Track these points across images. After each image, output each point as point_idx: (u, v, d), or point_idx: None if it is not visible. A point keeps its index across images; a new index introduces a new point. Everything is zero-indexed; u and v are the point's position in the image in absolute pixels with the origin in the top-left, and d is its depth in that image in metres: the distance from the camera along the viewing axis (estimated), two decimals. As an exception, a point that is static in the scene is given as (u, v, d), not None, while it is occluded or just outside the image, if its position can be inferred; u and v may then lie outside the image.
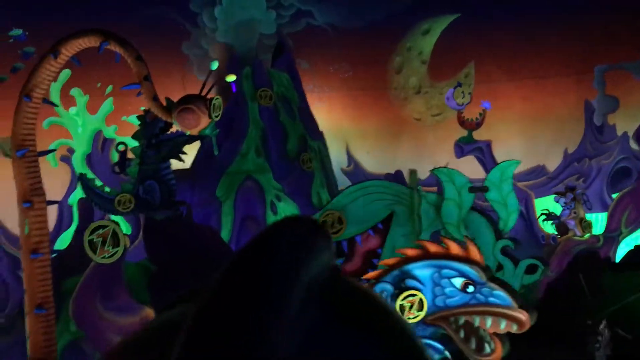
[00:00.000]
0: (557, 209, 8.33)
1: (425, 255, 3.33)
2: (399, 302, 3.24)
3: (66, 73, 6.97)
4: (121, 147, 5.82)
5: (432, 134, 8.78)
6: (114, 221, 4.74)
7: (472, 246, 3.29)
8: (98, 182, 5.95)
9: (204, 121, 4.27)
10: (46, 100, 4.51)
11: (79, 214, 6.16)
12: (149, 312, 5.06)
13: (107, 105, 7.05)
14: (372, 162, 8.57)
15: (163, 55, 7.36)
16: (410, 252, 3.39)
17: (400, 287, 3.28)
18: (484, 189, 5.82)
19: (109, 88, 7.10)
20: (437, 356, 3.29)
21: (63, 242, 6.80)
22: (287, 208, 6.83)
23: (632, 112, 8.72)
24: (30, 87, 4.42)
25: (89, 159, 7.02)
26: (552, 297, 6.06)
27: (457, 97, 8.75)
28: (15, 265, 6.52)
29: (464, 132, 8.76)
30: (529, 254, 8.72)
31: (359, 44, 8.41)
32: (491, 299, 3.17)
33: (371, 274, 3.57)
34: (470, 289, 3.20)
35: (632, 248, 6.29)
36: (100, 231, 4.80)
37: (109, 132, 7.14)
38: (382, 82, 8.67)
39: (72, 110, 6.95)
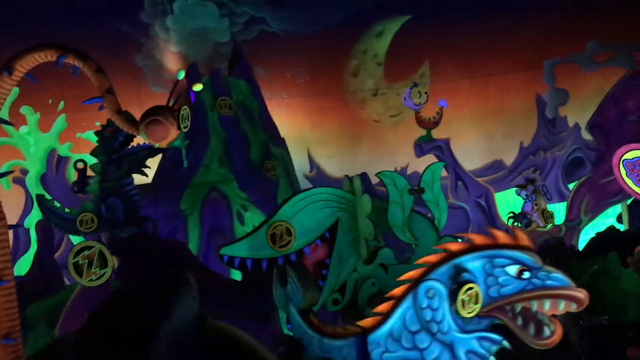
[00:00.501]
0: (518, 204, 8.52)
1: (473, 248, 3.28)
2: (460, 296, 3.17)
3: (15, 91, 6.69)
4: (80, 165, 5.60)
5: (392, 135, 8.84)
6: (99, 242, 4.53)
7: (519, 233, 3.27)
8: (56, 203, 5.71)
9: (173, 133, 4.15)
10: (1, 120, 4.29)
11: (38, 236, 5.89)
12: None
13: (60, 122, 6.81)
14: (334, 166, 8.56)
15: (116, 68, 7.15)
16: (454, 246, 3.33)
17: (458, 282, 3.20)
18: (421, 190, 5.83)
19: (61, 104, 6.87)
20: (494, 347, 3.27)
21: (22, 267, 6.51)
22: (254, 217, 6.72)
23: (581, 104, 9.01)
24: (-18, 107, 4.20)
25: (43, 179, 6.74)
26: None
27: (414, 97, 8.83)
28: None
29: (422, 132, 8.84)
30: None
31: (314, 49, 8.40)
32: (548, 282, 3.16)
33: (397, 291, 3.45)
34: (526, 274, 3.17)
35: (594, 236, 6.46)
36: (86, 252, 4.56)
37: (64, 150, 6.89)
38: (339, 86, 8.69)
39: (23, 129, 6.68)
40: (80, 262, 4.48)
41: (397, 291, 3.38)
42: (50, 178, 6.73)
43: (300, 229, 4.88)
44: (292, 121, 8.21)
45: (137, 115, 7.78)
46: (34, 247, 6.64)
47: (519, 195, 7.31)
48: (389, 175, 5.58)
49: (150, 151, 5.77)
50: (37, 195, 5.54)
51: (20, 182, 6.72)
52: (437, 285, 3.29)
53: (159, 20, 7.50)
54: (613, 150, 7.46)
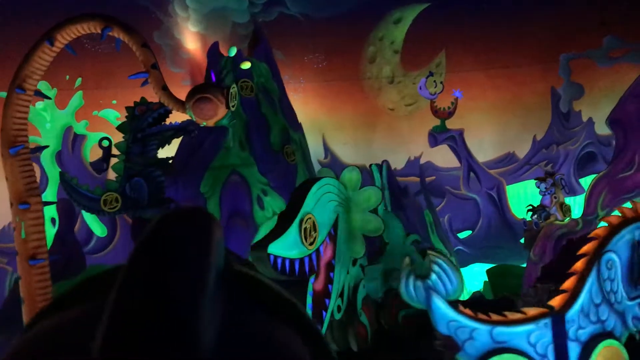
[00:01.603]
0: (528, 197, 8.52)
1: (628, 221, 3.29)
2: None
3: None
4: (105, 143, 5.46)
5: (406, 124, 8.76)
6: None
7: None
8: (78, 182, 5.56)
9: (222, 111, 4.05)
10: (37, 93, 4.14)
11: (59, 216, 5.72)
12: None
13: (77, 99, 6.62)
14: (348, 153, 8.46)
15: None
16: (615, 219, 3.32)
17: None
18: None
19: (78, 81, 6.67)
20: None
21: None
22: (274, 202, 6.61)
23: (596, 99, 9.00)
24: (22, 78, 4.06)
25: (59, 157, 6.56)
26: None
27: (429, 87, 8.77)
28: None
29: (437, 122, 8.79)
30: (501, 239, 8.93)
31: (332, 33, 8.27)
32: None
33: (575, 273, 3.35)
34: None
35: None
36: None
37: (80, 127, 6.71)
38: (356, 72, 8.57)
39: (39, 105, 6.48)
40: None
41: (578, 266, 3.35)
42: (66, 156, 6.55)
43: (319, 224, 4.21)
44: (308, 106, 8.08)
45: (137, 94, 7.61)
46: (47, 227, 6.47)
47: (538, 187, 7.28)
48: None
49: (176, 131, 5.66)
50: (61, 173, 5.39)
51: (35, 159, 6.50)
52: (614, 257, 3.30)
53: (179, -2, 7.31)
54: (631, 146, 7.48)
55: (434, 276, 3.29)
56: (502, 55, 8.96)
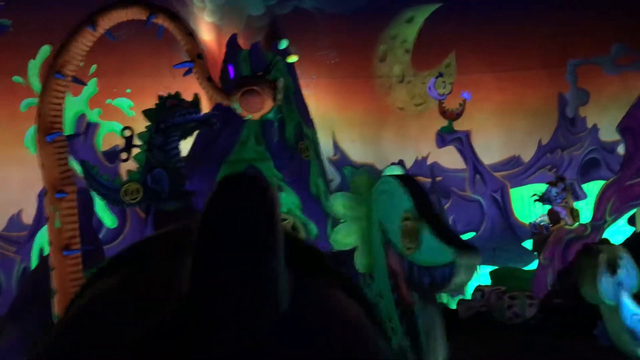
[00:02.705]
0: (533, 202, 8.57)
1: None
2: None
3: (45, 49, 6.32)
4: (127, 132, 5.33)
5: (415, 124, 8.75)
6: (294, 214, 4.25)
7: None
8: (98, 171, 5.43)
9: (268, 104, 3.97)
10: (75, 79, 4.01)
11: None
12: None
13: (91, 86, 6.45)
14: (357, 151, 8.43)
15: (149, 33, 6.82)
16: None
17: None
18: None
19: (93, 68, 6.51)
20: None
21: (45, 236, 6.18)
22: (288, 198, 6.54)
23: (601, 105, 9.10)
24: (61, 63, 3.93)
25: (71, 145, 6.38)
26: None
27: (438, 87, 8.78)
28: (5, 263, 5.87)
29: (445, 122, 8.80)
30: (504, 241, 8.98)
31: (345, 30, 8.21)
32: None
33: None
34: None
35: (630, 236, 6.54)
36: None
37: (93, 115, 6.55)
38: (367, 70, 8.53)
39: (53, 91, 6.30)
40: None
41: None
42: (79, 144, 6.39)
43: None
44: (318, 102, 8.01)
45: (153, 89, 7.48)
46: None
47: (549, 192, 7.33)
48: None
49: (198, 123, 5.56)
50: (82, 162, 5.25)
51: (47, 146, 6.36)
52: None
53: (196, -13, 7.19)
54: (640, 154, 7.57)
55: (621, 270, 3.25)
56: (510, 59, 9.00)
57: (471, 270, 2.83)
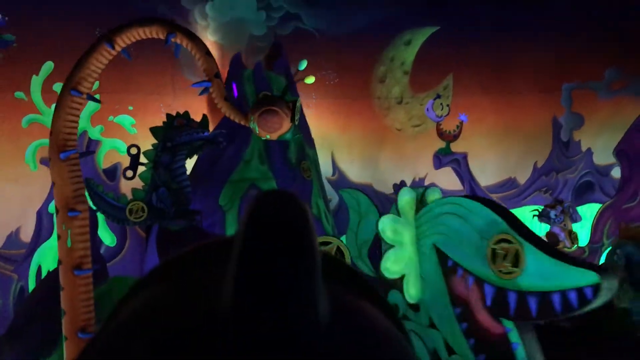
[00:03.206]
0: (532, 223, 8.62)
1: None
2: None
3: (49, 66, 6.27)
4: (133, 150, 5.29)
5: (413, 145, 8.79)
6: (337, 237, 4.18)
7: None
8: (101, 188, 5.36)
9: (286, 124, 3.95)
10: (90, 97, 3.98)
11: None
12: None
13: (93, 103, 6.38)
14: (356, 171, 8.43)
15: (151, 52, 6.81)
16: None
17: None
18: None
19: (96, 84, 6.44)
20: None
21: (44, 255, 6.08)
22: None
23: (595, 129, 9.23)
24: (77, 80, 3.89)
25: (72, 162, 6.31)
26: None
27: (436, 109, 8.84)
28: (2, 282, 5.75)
29: (442, 144, 8.86)
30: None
31: (345, 51, 8.27)
32: None
33: None
34: None
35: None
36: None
37: (95, 133, 6.49)
38: (366, 91, 8.57)
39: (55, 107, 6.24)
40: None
41: None
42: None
43: None
44: (318, 122, 8.02)
45: (155, 107, 7.43)
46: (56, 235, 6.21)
47: (547, 215, 7.39)
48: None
49: (205, 142, 5.53)
50: (87, 180, 5.18)
51: (47, 163, 6.26)
52: None
53: (199, 7, 7.19)
54: (636, 178, 7.69)
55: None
56: (507, 82, 9.11)
57: (612, 291, 2.70)
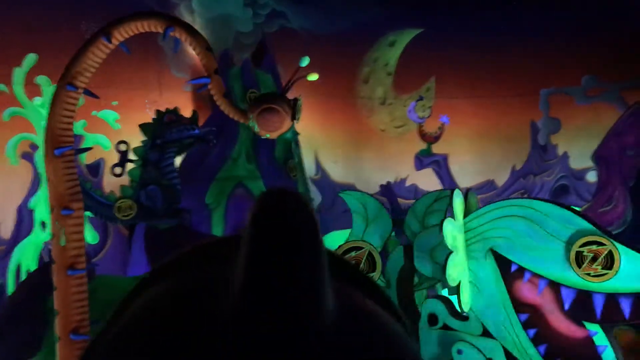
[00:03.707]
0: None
1: None
2: None
3: (32, 58, 6.10)
4: (122, 147, 5.19)
5: (395, 145, 8.85)
6: (368, 242, 4.05)
7: None
8: (89, 185, 5.25)
9: (287, 123, 3.87)
10: (87, 92, 3.88)
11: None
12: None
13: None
14: (339, 171, 8.44)
15: (138, 46, 6.67)
16: None
17: None
18: None
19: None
20: None
21: (24, 252, 5.92)
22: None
23: (572, 134, 9.43)
24: (73, 74, 3.78)
25: (54, 157, 6.15)
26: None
27: (418, 111, 8.92)
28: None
29: (424, 145, 8.94)
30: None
31: (331, 50, 8.25)
32: None
33: None
34: None
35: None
36: (353, 253, 3.98)
37: (77, 127, 6.33)
38: (351, 91, 8.59)
39: (37, 100, 6.08)
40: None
41: None
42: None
43: None
44: (302, 122, 7.96)
45: (140, 102, 7.32)
46: (37, 232, 6.06)
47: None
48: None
49: (195, 140, 5.47)
50: (75, 176, 5.06)
51: (28, 157, 6.10)
52: None
53: (186, 2, 7.09)
54: (612, 182, 7.87)
55: None
56: (487, 86, 9.23)
57: None
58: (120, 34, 3.83)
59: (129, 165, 5.15)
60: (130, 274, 5.61)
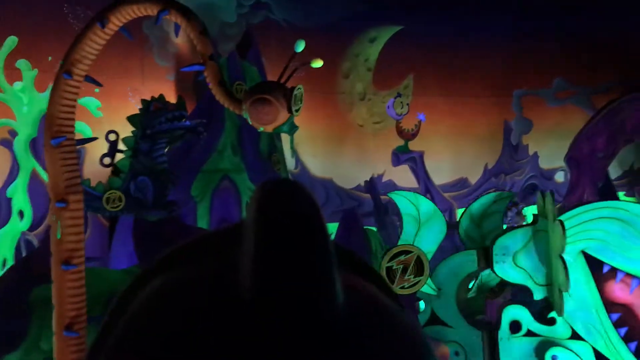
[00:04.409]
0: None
1: None
2: None
3: (12, 40, 5.89)
4: (112, 136, 5.07)
5: (373, 141, 8.91)
6: (417, 247, 3.92)
7: None
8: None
9: (282, 116, 3.53)
10: (89, 79, 3.76)
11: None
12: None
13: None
14: (317, 165, 8.45)
15: (121, 34, 6.51)
16: None
17: None
18: None
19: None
20: None
21: (0, 240, 5.74)
22: (261, 211, 6.46)
23: (542, 135, 9.68)
24: (70, 62, 3.66)
25: (33, 144, 5.98)
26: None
27: (396, 107, 8.98)
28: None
29: (401, 142, 9.02)
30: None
31: (313, 44, 8.20)
32: None
33: None
34: None
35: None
36: (402, 257, 3.85)
37: (58, 114, 6.16)
38: (332, 86, 8.60)
39: (17, 85, 5.87)
40: (394, 267, 3.93)
41: None
42: (41, 144, 5.97)
43: None
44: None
45: (122, 90, 7.17)
46: (14, 221, 5.88)
47: (506, 215, 7.69)
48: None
49: (186, 131, 5.39)
50: (63, 165, 4.92)
51: (7, 144, 5.89)
52: None
53: (171, -11, 6.95)
54: (582, 183, 8.12)
55: None
56: (463, 85, 9.38)
57: None
58: (117, 19, 3.69)
59: (118, 156, 5.04)
60: (111, 266, 5.51)
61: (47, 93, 6.03)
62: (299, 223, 0.48)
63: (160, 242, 5.18)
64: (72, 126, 3.72)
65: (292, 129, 3.90)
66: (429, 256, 3.84)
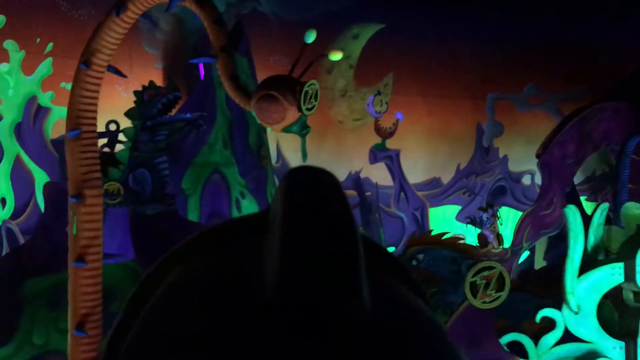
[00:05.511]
0: (447, 221, 9.22)
1: None
2: None
3: (1, 19, 5.63)
4: (112, 126, 4.94)
5: (352, 138, 8.97)
6: (499, 263, 3.94)
7: None
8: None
9: (291, 115, 3.26)
10: (112, 69, 3.66)
11: (46, 201, 5.03)
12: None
13: (46, 66, 5.85)
14: (299, 160, 8.43)
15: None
16: None
17: None
18: None
19: (49, 46, 5.91)
20: None
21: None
22: (250, 206, 6.44)
23: (512, 139, 9.98)
24: (89, 52, 3.55)
25: (17, 129, 5.75)
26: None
27: (376, 105, 9.04)
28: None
29: (378, 140, 9.10)
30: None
31: (298, 37, 8.18)
32: None
33: None
34: None
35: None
36: (486, 273, 3.97)
37: (45, 99, 5.93)
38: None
39: (4, 67, 5.62)
40: (478, 282, 3.91)
41: None
42: (26, 129, 5.74)
43: None
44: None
45: (109, 76, 6.99)
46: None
47: (479, 217, 7.92)
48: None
49: (187, 123, 5.33)
50: (60, 157, 4.78)
51: (-8, 131, 5.64)
52: None
53: (162, -25, 6.78)
54: (553, 187, 8.43)
55: None
56: (440, 86, 9.55)
57: None
58: (136, 7, 3.58)
59: (118, 147, 4.92)
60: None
61: (34, 76, 5.83)
62: (326, 222, 0.46)
63: (158, 237, 5.10)
64: (93, 118, 3.61)
65: (304, 129, 3.59)
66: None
